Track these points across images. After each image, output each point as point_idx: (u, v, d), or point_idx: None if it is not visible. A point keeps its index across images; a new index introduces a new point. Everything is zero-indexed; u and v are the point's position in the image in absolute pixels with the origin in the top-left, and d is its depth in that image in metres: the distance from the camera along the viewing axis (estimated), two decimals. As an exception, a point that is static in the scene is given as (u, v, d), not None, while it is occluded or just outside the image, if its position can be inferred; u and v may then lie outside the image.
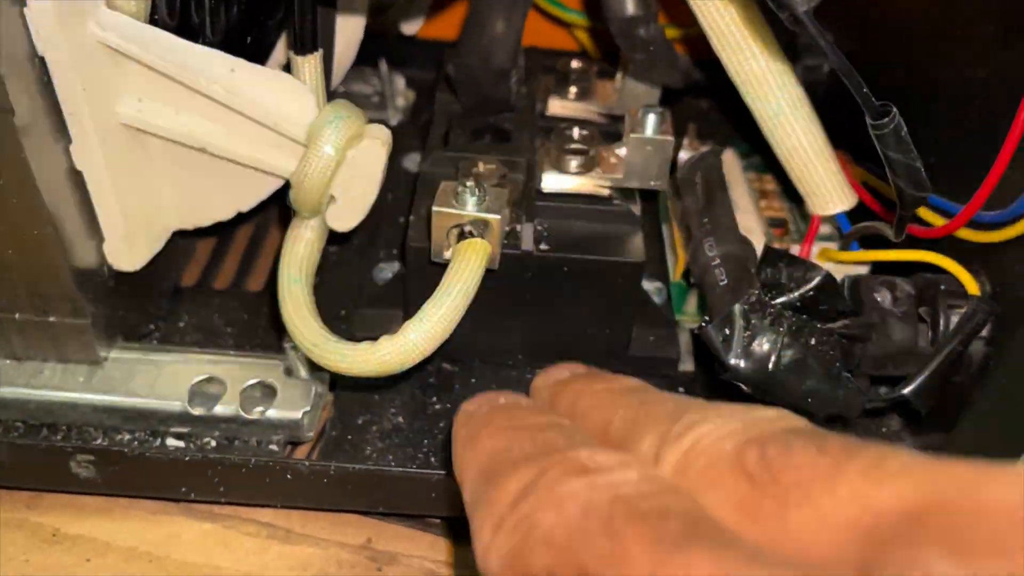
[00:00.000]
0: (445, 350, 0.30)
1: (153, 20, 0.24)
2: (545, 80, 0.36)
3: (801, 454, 0.14)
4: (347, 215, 0.26)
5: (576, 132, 0.31)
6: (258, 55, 0.27)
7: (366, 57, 0.42)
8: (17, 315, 0.26)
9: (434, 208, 0.25)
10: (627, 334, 0.30)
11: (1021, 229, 0.24)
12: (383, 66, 0.42)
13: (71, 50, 0.23)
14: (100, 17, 0.23)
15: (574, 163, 0.30)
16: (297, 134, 0.25)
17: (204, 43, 0.25)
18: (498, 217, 0.25)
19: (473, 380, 0.30)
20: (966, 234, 0.26)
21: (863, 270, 0.30)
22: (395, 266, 0.33)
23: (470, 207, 0.25)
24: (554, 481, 0.15)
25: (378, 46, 0.43)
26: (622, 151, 0.30)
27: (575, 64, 0.36)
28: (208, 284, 0.33)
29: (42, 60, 0.22)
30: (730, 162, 0.36)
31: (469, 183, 0.26)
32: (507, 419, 0.18)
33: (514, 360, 0.31)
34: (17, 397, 0.27)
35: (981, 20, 0.27)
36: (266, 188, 0.27)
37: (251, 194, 0.27)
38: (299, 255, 0.26)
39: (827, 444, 0.14)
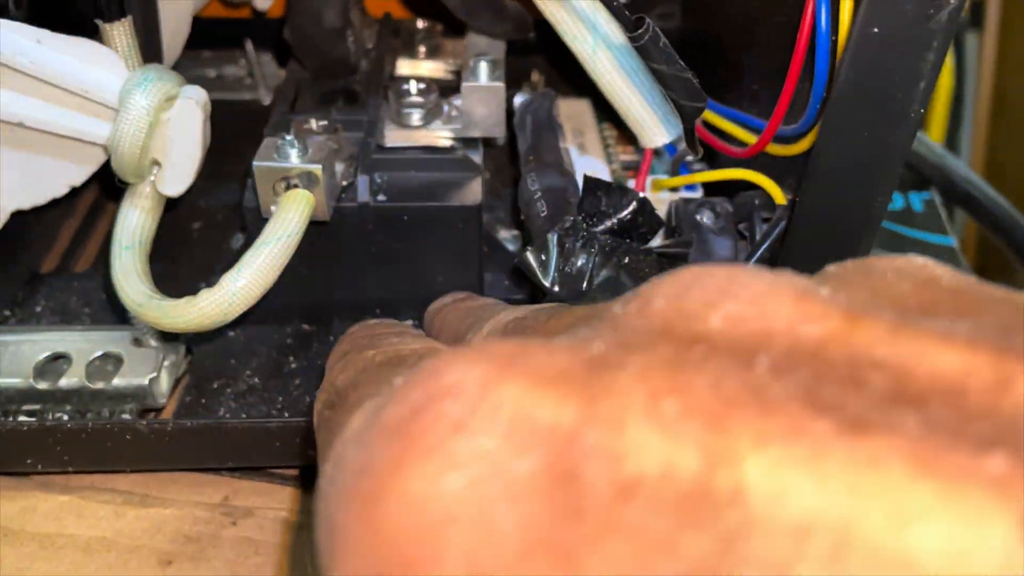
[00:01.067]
0: (302, 310, 0.31)
1: (-48, -5, 0.24)
2: (393, 42, 0.37)
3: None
4: (174, 179, 0.27)
5: (414, 86, 0.31)
6: (71, 27, 0.28)
7: (233, 39, 0.43)
8: None
9: (255, 163, 0.26)
10: (478, 279, 0.31)
11: (809, 143, 0.25)
12: (249, 46, 0.42)
13: None
14: None
15: (415, 116, 0.31)
16: (109, 100, 0.25)
17: (9, 18, 0.25)
18: (319, 167, 0.26)
19: (331, 338, 0.31)
20: (775, 149, 0.27)
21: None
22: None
23: (293, 159, 0.26)
24: (358, 356, 0.18)
25: (244, 28, 0.43)
26: (459, 101, 0.31)
27: (421, 24, 0.36)
28: (68, 268, 0.33)
29: None
30: (584, 111, 0.37)
31: (289, 136, 0.26)
32: (367, 330, 0.21)
33: (372, 315, 0.31)
34: None
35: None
36: (94, 160, 0.27)
37: (81, 168, 0.27)
38: (131, 223, 0.27)
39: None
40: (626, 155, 0.36)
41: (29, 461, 0.26)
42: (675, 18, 0.41)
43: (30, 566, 0.25)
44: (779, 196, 0.26)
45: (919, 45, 0.20)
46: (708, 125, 0.30)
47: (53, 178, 0.28)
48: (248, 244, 0.30)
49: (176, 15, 0.31)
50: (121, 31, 0.26)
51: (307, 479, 0.28)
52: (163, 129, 0.25)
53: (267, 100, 0.43)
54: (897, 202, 0.42)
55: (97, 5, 0.25)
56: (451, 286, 0.31)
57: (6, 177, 0.27)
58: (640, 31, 0.20)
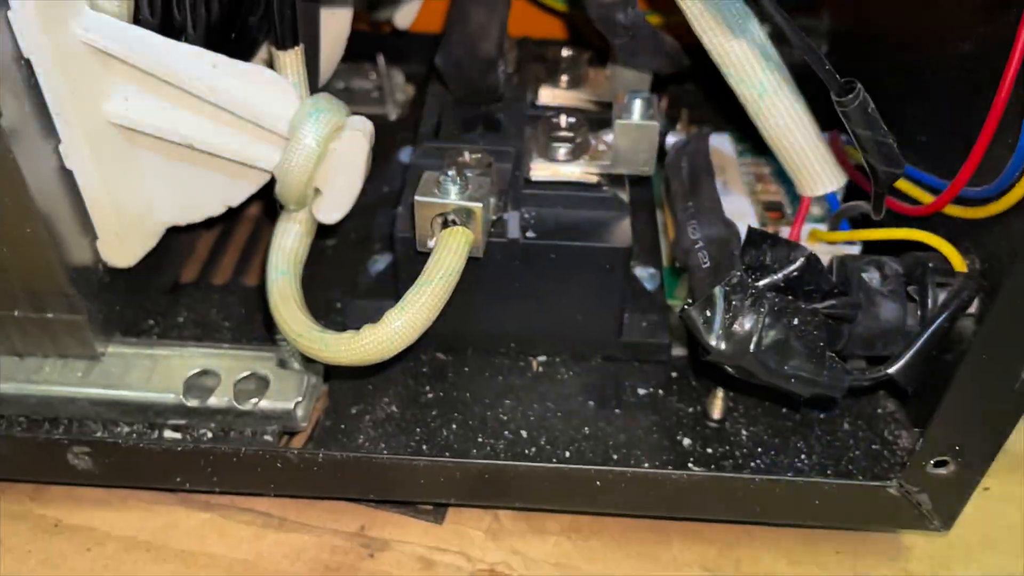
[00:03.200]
0: (438, 339, 0.31)
1: (137, 20, 0.25)
2: (536, 70, 0.36)
3: None
4: (333, 207, 0.27)
5: (563, 120, 0.31)
6: (242, 52, 0.28)
7: (364, 53, 0.43)
8: (16, 312, 0.27)
9: (416, 198, 0.26)
10: (617, 320, 0.30)
11: (1006, 204, 0.23)
12: (380, 61, 0.42)
13: (56, 51, 0.23)
14: (84, 18, 0.24)
15: (562, 151, 0.31)
16: (280, 128, 0.25)
17: (187, 41, 0.25)
18: (480, 205, 0.26)
19: (466, 369, 0.30)
20: (953, 211, 0.25)
21: (856, 250, 0.30)
22: (389, 258, 0.33)
23: (452, 196, 0.26)
24: None
25: (375, 42, 0.44)
26: (609, 137, 0.30)
27: (566, 53, 0.36)
28: (207, 280, 0.34)
29: (28, 62, 0.23)
30: (724, 147, 0.36)
31: (451, 172, 0.26)
32: None
33: (506, 348, 0.31)
34: (19, 393, 0.27)
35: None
36: (254, 183, 0.27)
37: (240, 189, 0.27)
38: (286, 248, 0.27)
39: None
40: (767, 195, 0.35)
41: (178, 479, 0.27)
42: (822, 51, 0.40)
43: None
44: (958, 262, 0.25)
45: None
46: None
47: (211, 197, 0.28)
48: (395, 270, 0.30)
49: (334, 39, 0.31)
50: (293, 59, 0.26)
51: (440, 514, 0.28)
52: (329, 159, 0.25)
53: (393, 115, 0.43)
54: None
55: (272, 32, 0.25)
56: (589, 324, 0.30)
57: (165, 194, 0.28)
58: (850, 96, 0.19)
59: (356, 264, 0.34)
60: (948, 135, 0.27)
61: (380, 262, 0.33)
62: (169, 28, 0.25)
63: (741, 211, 0.33)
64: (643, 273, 0.33)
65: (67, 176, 0.25)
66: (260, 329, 0.32)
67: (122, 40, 0.24)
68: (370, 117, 0.44)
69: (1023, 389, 0.22)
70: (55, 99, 0.24)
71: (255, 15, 0.27)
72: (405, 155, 0.39)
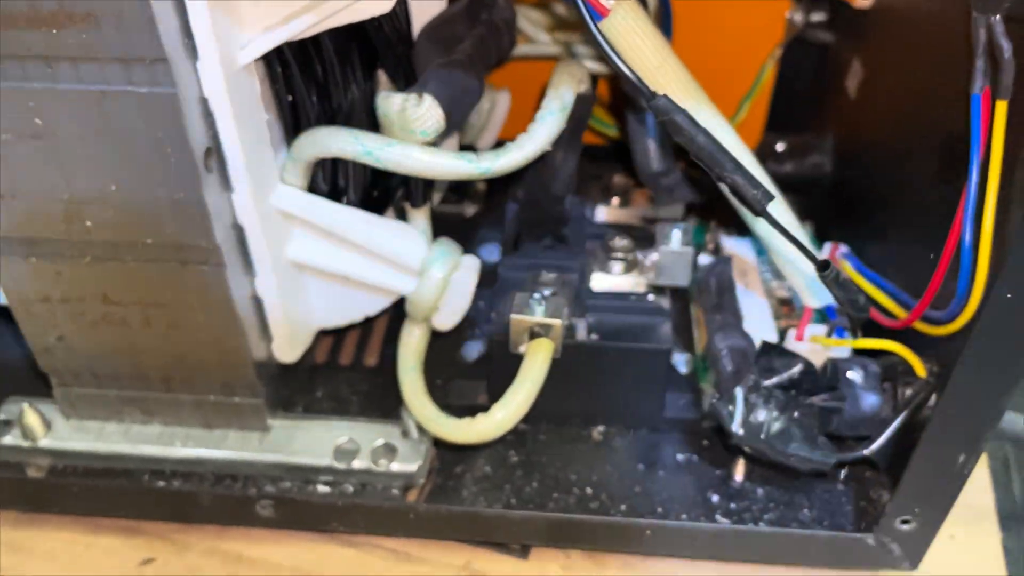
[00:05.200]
0: (520, 414, 0.40)
1: (313, 187, 0.34)
2: (593, 190, 0.45)
3: None
4: (448, 320, 0.36)
5: (618, 242, 0.40)
6: (383, 202, 0.37)
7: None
8: (212, 397, 0.36)
9: (512, 316, 0.35)
10: (660, 402, 0.39)
11: (953, 328, 0.32)
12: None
13: (258, 217, 0.32)
14: (278, 191, 0.33)
15: (616, 267, 0.39)
16: (414, 265, 0.34)
17: (347, 202, 0.35)
18: (559, 321, 0.34)
19: (541, 437, 0.39)
20: (919, 327, 0.34)
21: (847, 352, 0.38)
22: (480, 345, 0.42)
23: (538, 314, 0.35)
24: None
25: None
26: (653, 257, 0.39)
27: (617, 179, 0.45)
28: (335, 361, 0.43)
29: (240, 226, 0.32)
30: (746, 252, 0.45)
31: (536, 295, 0.35)
32: None
33: (572, 421, 0.40)
34: (210, 456, 0.37)
35: (930, 153, 0.35)
36: (389, 299, 0.36)
37: (377, 304, 0.37)
38: (413, 349, 0.36)
39: None
40: (781, 291, 0.43)
41: (330, 523, 0.36)
42: (826, 167, 0.48)
43: (331, 602, 0.34)
44: (920, 369, 0.33)
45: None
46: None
47: (355, 308, 0.37)
48: (489, 360, 0.39)
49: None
50: (423, 214, 0.35)
51: (526, 552, 0.37)
52: (448, 287, 0.34)
53: (470, 212, 0.52)
54: None
55: (408, 194, 0.35)
56: (638, 403, 0.39)
57: (322, 308, 0.37)
58: (827, 271, 0.28)
59: (452, 346, 0.42)
60: (923, 262, 0.35)
61: (473, 349, 0.42)
62: (335, 191, 0.35)
63: (759, 309, 0.41)
64: (680, 358, 0.41)
65: (257, 300, 0.35)
66: (380, 402, 0.40)
67: (303, 206, 0.33)
68: (451, 213, 0.53)
69: (962, 470, 0.30)
70: (256, 249, 0.33)
71: (393, 178, 0.37)
72: (485, 252, 0.48)
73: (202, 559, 0.36)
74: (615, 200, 0.44)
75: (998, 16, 0.26)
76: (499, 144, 0.33)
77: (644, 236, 0.41)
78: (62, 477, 0.37)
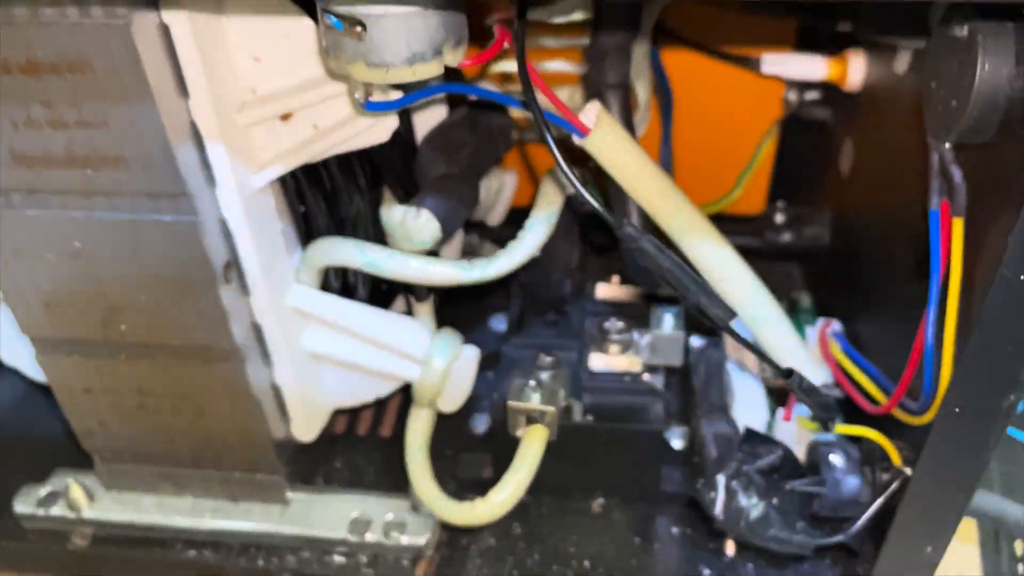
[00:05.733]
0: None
1: (325, 284, 0.37)
2: (595, 266, 0.47)
3: None
4: (451, 403, 0.38)
5: (613, 324, 0.42)
6: (389, 295, 0.40)
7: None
8: (237, 474, 0.39)
9: (509, 403, 0.37)
10: (656, 476, 0.41)
11: (924, 420, 0.33)
12: (474, 238, 0.54)
13: (275, 316, 0.36)
14: (292, 291, 0.36)
15: (613, 348, 0.42)
16: (418, 354, 0.37)
17: (356, 297, 0.37)
18: (554, 409, 0.37)
19: (543, 509, 0.41)
20: (897, 414, 0.35)
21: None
22: (486, 418, 0.44)
23: (534, 402, 0.37)
24: None
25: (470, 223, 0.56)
26: (647, 339, 0.41)
27: (617, 256, 0.47)
28: (353, 430, 0.46)
29: (258, 325, 0.36)
30: (743, 330, 0.46)
31: (532, 382, 0.37)
32: None
33: (572, 494, 0.42)
34: (236, 529, 0.40)
35: (908, 244, 0.36)
36: (398, 384, 0.39)
37: (388, 387, 0.39)
38: (419, 432, 0.39)
39: None
40: (776, 365, 0.45)
41: (346, 591, 0.39)
42: (824, 239, 0.50)
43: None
44: (895, 457, 0.34)
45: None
46: (844, 372, 0.39)
47: (368, 392, 0.40)
48: (491, 435, 0.41)
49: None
50: (427, 308, 0.38)
51: (528, 622, 0.39)
52: (451, 374, 0.37)
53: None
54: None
55: (409, 291, 0.37)
56: (636, 479, 0.41)
57: (337, 392, 0.40)
58: (791, 380, 0.30)
59: (459, 421, 0.45)
60: (902, 346, 0.37)
61: (480, 423, 0.44)
62: (346, 287, 0.38)
63: (752, 387, 0.43)
64: (676, 432, 0.43)
65: (276, 388, 0.38)
66: (394, 473, 0.43)
67: (316, 304, 0.36)
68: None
69: (930, 560, 0.32)
70: (273, 343, 0.36)
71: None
72: (495, 321, 0.51)
73: (228, 621, 0.39)
74: (615, 279, 0.46)
75: (947, 144, 0.28)
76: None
77: (641, 315, 0.43)
78: (103, 546, 0.40)
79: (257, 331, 0.36)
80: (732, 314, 0.28)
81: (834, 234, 0.49)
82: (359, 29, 0.24)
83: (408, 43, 0.24)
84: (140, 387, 0.36)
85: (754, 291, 0.36)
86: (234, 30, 0.29)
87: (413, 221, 0.33)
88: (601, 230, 0.51)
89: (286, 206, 0.35)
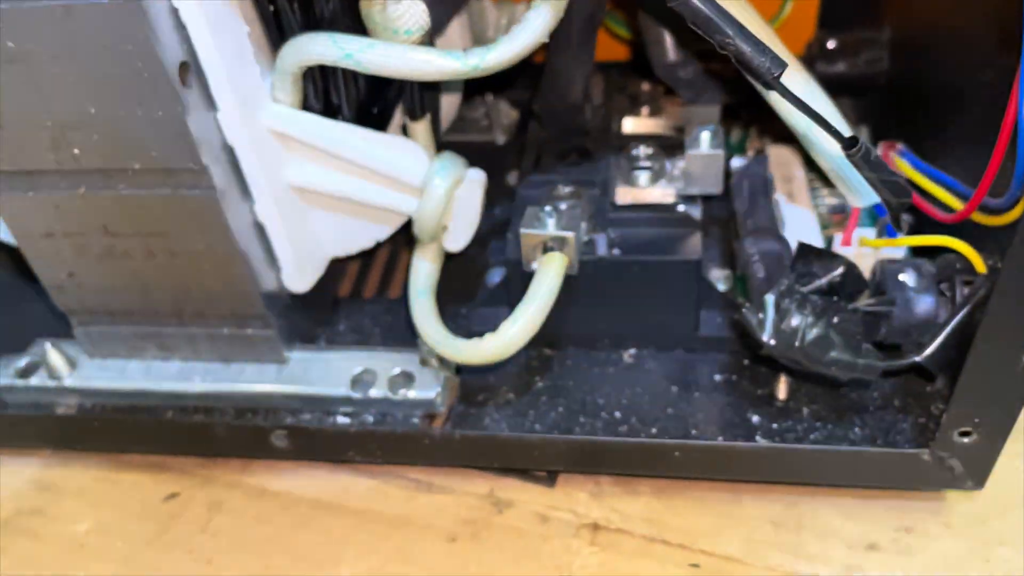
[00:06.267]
0: (544, 339, 0.37)
1: (306, 106, 0.32)
2: (620, 100, 0.42)
3: None
4: (457, 239, 0.34)
5: (642, 151, 0.37)
6: (382, 122, 0.35)
7: (475, 87, 0.50)
8: (225, 330, 0.35)
9: (521, 230, 0.32)
10: (693, 319, 0.36)
11: (1014, 216, 0.28)
12: (488, 97, 0.49)
13: (250, 138, 0.31)
14: (268, 110, 0.31)
15: (642, 178, 0.37)
16: (415, 182, 0.32)
17: (342, 118, 0.33)
18: (572, 234, 0.32)
19: (568, 362, 0.37)
20: (978, 218, 0.30)
21: (903, 252, 0.34)
22: (501, 272, 0.40)
23: (550, 227, 0.32)
24: None
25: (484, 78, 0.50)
26: (682, 164, 0.36)
27: (645, 87, 0.41)
28: (359, 294, 0.42)
29: (230, 147, 0.31)
30: (790, 159, 0.41)
31: (548, 207, 0.32)
32: None
33: (601, 344, 0.37)
34: (228, 390, 0.36)
35: (986, 32, 0.31)
36: (396, 223, 0.35)
37: (386, 227, 0.35)
38: (423, 273, 0.34)
39: None
40: (832, 198, 0.39)
41: (349, 453, 0.35)
42: (883, 63, 0.44)
43: (350, 535, 0.33)
44: (979, 264, 0.29)
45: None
46: (915, 186, 0.34)
47: (364, 234, 0.36)
48: (507, 285, 0.37)
49: (448, 104, 0.38)
50: (423, 127, 0.33)
51: (552, 479, 0.35)
52: (454, 203, 0.32)
53: (501, 140, 0.50)
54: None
55: (406, 108, 0.33)
56: (670, 322, 0.36)
57: (330, 235, 0.36)
58: (854, 149, 0.24)
59: (475, 277, 0.41)
60: (981, 149, 0.31)
61: (496, 275, 0.40)
62: (329, 109, 0.33)
63: (804, 218, 0.38)
64: (717, 275, 0.38)
65: (260, 227, 0.33)
66: (402, 333, 0.39)
67: (295, 124, 0.32)
68: (480, 142, 0.51)
69: (1022, 375, 0.27)
70: (250, 172, 0.32)
71: (391, 91, 0.35)
72: (512, 178, 0.46)
73: (225, 492, 0.36)
74: (644, 110, 0.41)
75: None
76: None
77: (675, 145, 0.38)
78: (89, 414, 0.37)
79: (230, 156, 0.31)
80: (783, 63, 0.22)
81: (894, 55, 0.43)
82: None
83: None
84: (105, 227, 0.32)
85: (800, 76, 0.31)
86: None
87: (395, 5, 0.28)
88: (625, 73, 0.45)
89: (253, 7, 0.30)
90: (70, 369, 0.37)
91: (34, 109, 0.29)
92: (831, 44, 0.45)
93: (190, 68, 0.28)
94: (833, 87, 0.46)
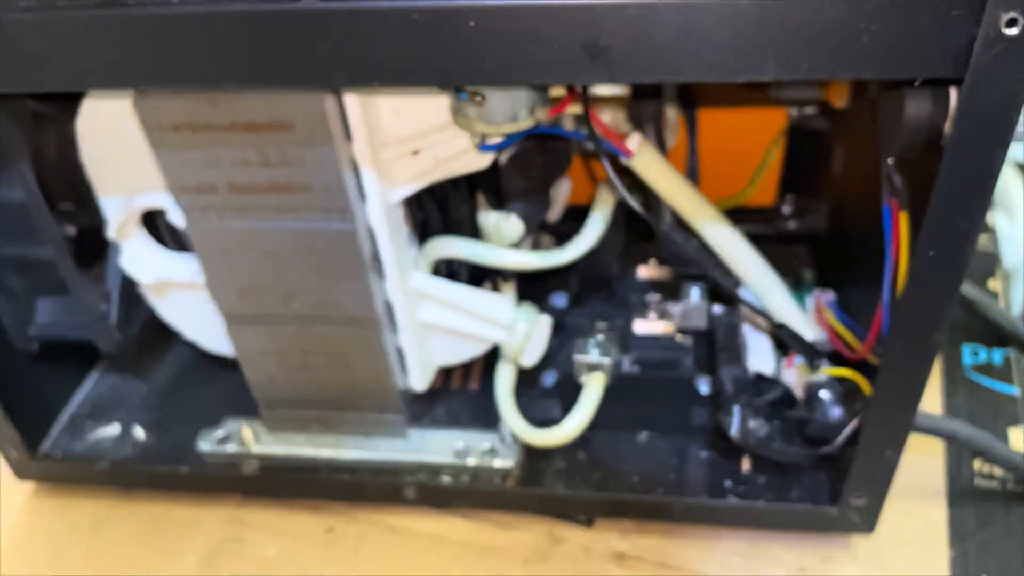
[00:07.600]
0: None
1: (436, 271, 0.50)
2: (637, 253, 0.59)
3: None
4: (530, 359, 0.51)
5: (651, 297, 0.54)
6: (480, 279, 0.52)
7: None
8: (369, 415, 0.52)
9: (574, 357, 0.49)
10: (687, 414, 0.53)
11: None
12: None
13: (402, 295, 0.48)
14: (414, 276, 0.49)
15: (652, 315, 0.54)
16: (505, 323, 0.49)
17: (459, 280, 0.50)
18: (609, 360, 0.49)
19: (601, 441, 0.54)
20: (870, 358, 0.47)
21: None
22: (554, 375, 0.57)
23: (594, 355, 0.49)
24: None
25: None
26: (678, 308, 0.53)
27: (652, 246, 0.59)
28: (447, 386, 0.59)
29: (388, 302, 0.48)
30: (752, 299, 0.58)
31: (592, 341, 0.49)
32: None
33: (625, 428, 0.54)
34: (368, 457, 0.53)
35: (877, 239, 0.48)
36: (489, 346, 0.52)
37: (481, 347, 0.52)
38: (507, 379, 0.51)
39: None
40: (783, 327, 0.57)
41: (454, 502, 0.51)
42: (822, 225, 0.61)
43: (456, 558, 0.50)
44: (866, 388, 0.46)
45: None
46: (833, 330, 0.51)
47: (466, 352, 0.52)
48: (558, 387, 0.53)
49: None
50: (510, 286, 0.50)
51: (591, 523, 0.51)
52: (531, 336, 0.49)
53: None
54: (981, 355, 0.59)
55: (498, 274, 0.50)
56: (671, 416, 0.53)
57: (443, 351, 0.52)
58: (780, 330, 0.42)
59: (532, 375, 0.57)
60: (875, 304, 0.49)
61: (548, 378, 0.57)
62: (450, 274, 0.50)
63: (763, 344, 0.55)
64: (702, 380, 0.55)
65: (399, 348, 0.50)
66: (482, 415, 0.56)
67: (430, 285, 0.49)
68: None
69: (891, 460, 0.43)
70: (398, 314, 0.49)
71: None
72: (555, 298, 0.63)
73: (367, 527, 0.52)
74: (652, 261, 0.58)
75: (890, 160, 0.40)
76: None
77: (674, 289, 0.55)
78: (268, 473, 0.53)
79: (388, 306, 0.48)
80: (738, 283, 0.40)
81: (830, 221, 0.60)
82: (479, 98, 0.36)
83: (512, 107, 0.37)
84: (304, 349, 0.49)
85: (760, 268, 0.48)
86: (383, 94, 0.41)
87: (505, 223, 0.45)
88: (642, 222, 0.63)
89: (409, 214, 0.48)
90: (255, 441, 0.54)
91: (275, 281, 0.46)
92: (786, 209, 0.63)
93: (375, 258, 0.46)
94: (789, 239, 0.64)
